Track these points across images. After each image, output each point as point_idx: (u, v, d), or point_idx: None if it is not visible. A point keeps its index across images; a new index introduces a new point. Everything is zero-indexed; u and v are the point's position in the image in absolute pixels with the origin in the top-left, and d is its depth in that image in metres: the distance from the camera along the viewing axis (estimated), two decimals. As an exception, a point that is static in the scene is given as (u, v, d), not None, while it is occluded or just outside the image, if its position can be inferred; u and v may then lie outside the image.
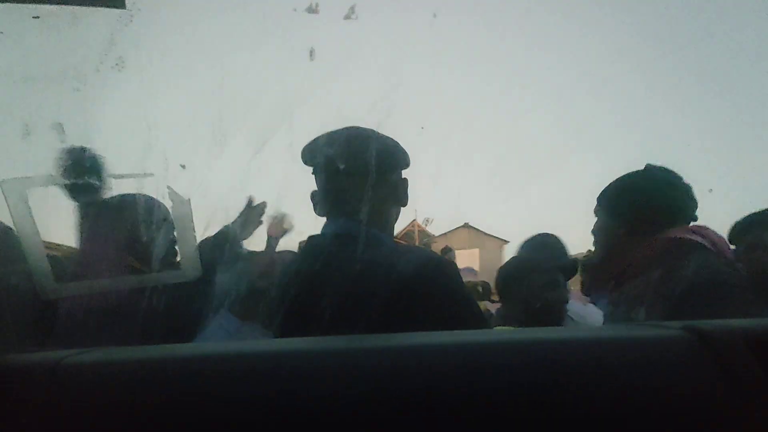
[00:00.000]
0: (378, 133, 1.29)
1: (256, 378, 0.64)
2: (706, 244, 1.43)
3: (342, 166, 1.25)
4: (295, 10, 1.01)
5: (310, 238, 1.33)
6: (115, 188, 1.24)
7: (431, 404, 0.61)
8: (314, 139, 1.31)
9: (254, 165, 1.12)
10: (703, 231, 1.47)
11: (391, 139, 1.31)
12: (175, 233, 1.55)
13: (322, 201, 1.32)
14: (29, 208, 1.10)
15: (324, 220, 1.33)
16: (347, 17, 1.04)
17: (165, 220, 1.57)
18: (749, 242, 2.08)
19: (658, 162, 1.62)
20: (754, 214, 2.14)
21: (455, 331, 0.74)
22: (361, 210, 1.25)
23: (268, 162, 1.15)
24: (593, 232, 1.74)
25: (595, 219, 1.73)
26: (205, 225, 1.17)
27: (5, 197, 1.12)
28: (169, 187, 1.14)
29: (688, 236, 1.45)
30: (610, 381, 0.62)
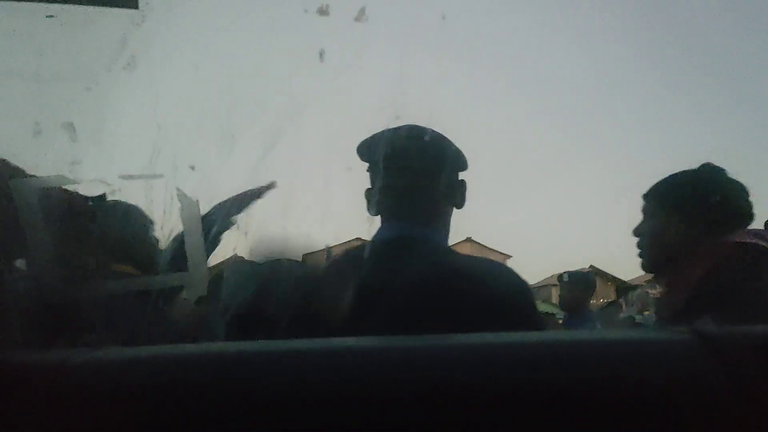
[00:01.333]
0: (438, 132, 1.27)
1: (271, 377, 0.64)
2: None
3: (402, 164, 1.23)
4: (306, 11, 1.02)
5: (365, 245, 1.28)
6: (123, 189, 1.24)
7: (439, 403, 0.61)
8: (373, 135, 1.28)
9: (263, 166, 1.13)
10: (766, 235, 1.39)
11: (449, 139, 1.29)
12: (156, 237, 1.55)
13: (378, 200, 1.28)
14: (38, 208, 1.11)
15: (374, 219, 1.30)
16: (358, 19, 1.04)
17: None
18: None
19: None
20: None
21: (464, 334, 0.73)
22: (422, 212, 1.22)
23: (278, 163, 1.15)
24: (638, 233, 1.62)
25: (642, 219, 1.62)
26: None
27: (15, 197, 1.13)
28: (177, 189, 1.14)
29: (755, 241, 1.36)
30: (613, 383, 0.62)
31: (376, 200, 1.29)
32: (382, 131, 1.28)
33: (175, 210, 1.17)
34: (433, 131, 1.27)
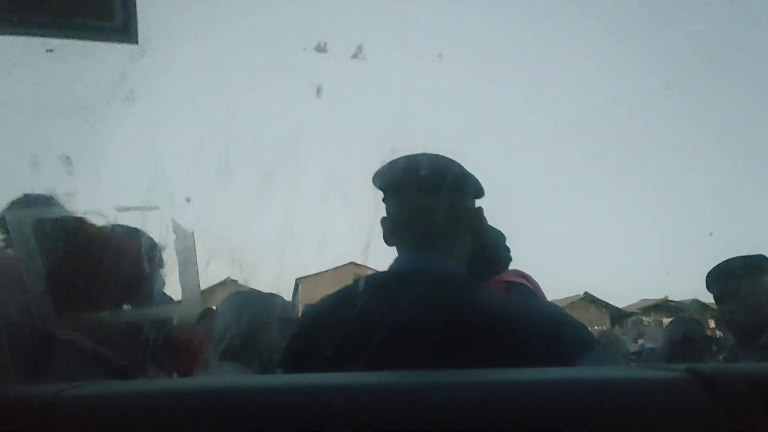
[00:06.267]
0: (454, 160, 1.24)
1: (262, 414, 0.63)
2: None
3: (419, 193, 1.20)
4: (304, 48, 1.03)
5: (379, 275, 1.24)
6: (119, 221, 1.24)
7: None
8: (389, 163, 1.25)
9: (259, 199, 1.13)
10: None
11: (463, 166, 1.26)
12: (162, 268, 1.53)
13: (394, 229, 1.24)
14: (32, 239, 1.10)
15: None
16: (355, 56, 1.06)
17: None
18: (730, 290, 2.16)
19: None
20: (731, 260, 2.21)
21: (461, 371, 0.73)
22: (440, 243, 1.18)
23: (274, 196, 1.15)
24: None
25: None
26: (208, 259, 1.17)
27: (9, 228, 1.13)
28: (173, 220, 1.14)
29: None
30: (612, 422, 0.61)
31: (392, 229, 1.25)
32: (398, 159, 1.25)
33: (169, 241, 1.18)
34: (450, 159, 1.24)
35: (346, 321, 1.12)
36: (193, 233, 1.15)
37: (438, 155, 1.24)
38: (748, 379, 0.64)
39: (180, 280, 1.20)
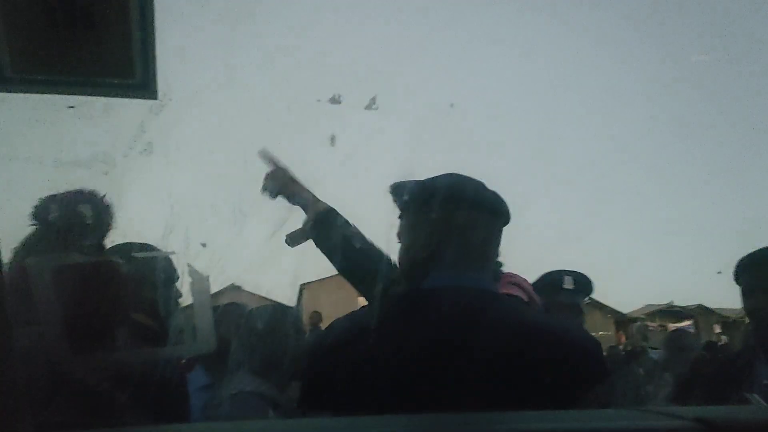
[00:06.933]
0: (481, 182, 1.23)
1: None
2: None
3: (443, 212, 1.17)
4: (318, 101, 1.05)
5: (415, 291, 1.20)
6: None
7: None
8: (419, 181, 1.22)
9: (272, 244, 1.15)
10: None
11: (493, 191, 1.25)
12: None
13: (423, 246, 1.20)
14: (51, 284, 1.13)
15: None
16: (368, 107, 1.08)
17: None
18: (762, 282, 1.87)
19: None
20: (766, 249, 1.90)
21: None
22: (471, 260, 1.16)
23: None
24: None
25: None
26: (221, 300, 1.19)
27: (30, 274, 1.15)
28: (188, 264, 1.16)
29: None
30: None
31: (421, 246, 1.20)
32: (436, 177, 1.23)
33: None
34: (477, 180, 1.23)
35: (384, 339, 1.09)
36: (208, 277, 1.17)
37: (463, 176, 1.23)
38: (754, 428, 0.65)
39: (195, 322, 1.22)
